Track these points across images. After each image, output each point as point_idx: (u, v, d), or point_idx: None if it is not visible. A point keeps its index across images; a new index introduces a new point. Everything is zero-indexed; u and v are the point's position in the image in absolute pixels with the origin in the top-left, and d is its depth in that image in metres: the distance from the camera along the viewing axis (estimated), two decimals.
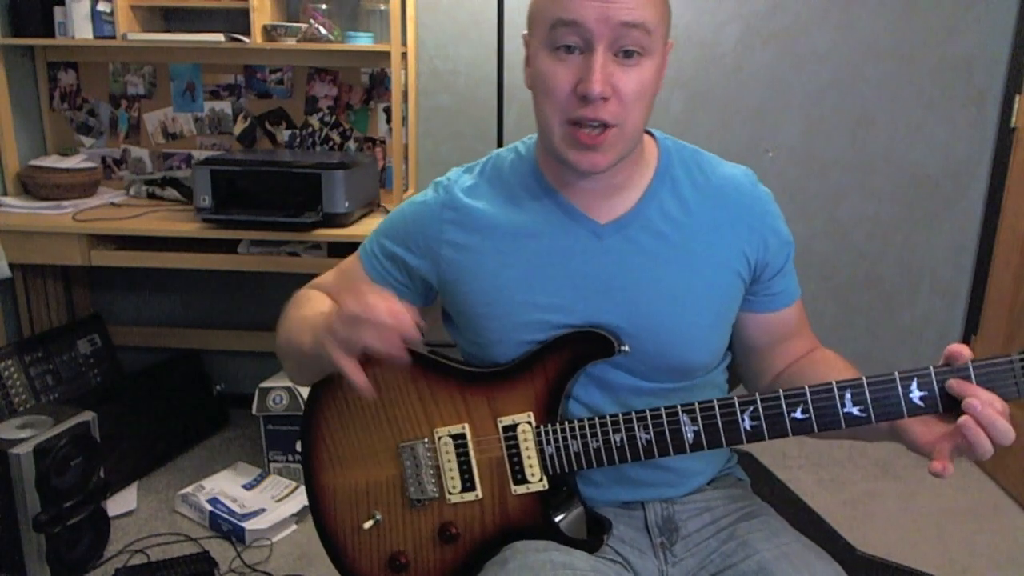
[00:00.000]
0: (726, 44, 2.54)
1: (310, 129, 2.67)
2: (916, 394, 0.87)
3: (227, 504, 2.21)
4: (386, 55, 2.40)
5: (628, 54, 0.91)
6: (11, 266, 2.26)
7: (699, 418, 0.93)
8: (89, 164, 2.54)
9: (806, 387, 0.89)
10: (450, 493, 1.02)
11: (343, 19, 2.53)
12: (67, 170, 2.46)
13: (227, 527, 2.15)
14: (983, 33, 2.48)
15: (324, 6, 2.46)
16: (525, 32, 1.00)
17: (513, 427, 1.00)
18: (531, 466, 0.99)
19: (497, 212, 1.05)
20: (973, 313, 2.68)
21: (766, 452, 2.69)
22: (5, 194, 2.51)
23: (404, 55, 2.48)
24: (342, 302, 0.91)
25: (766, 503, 1.13)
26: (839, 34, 2.52)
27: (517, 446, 1.00)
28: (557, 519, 1.00)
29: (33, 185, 2.46)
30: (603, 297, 1.01)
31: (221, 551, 2.08)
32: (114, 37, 2.39)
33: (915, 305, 2.73)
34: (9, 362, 2.41)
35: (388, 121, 2.63)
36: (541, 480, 0.99)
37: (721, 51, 2.55)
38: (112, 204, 2.48)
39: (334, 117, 2.65)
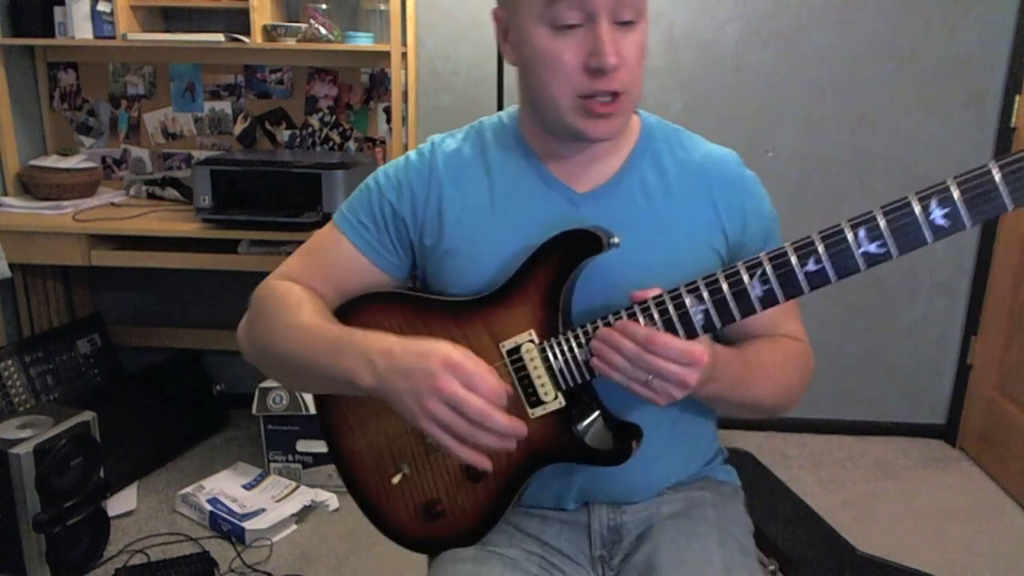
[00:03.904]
0: (726, 44, 2.54)
1: (310, 129, 2.67)
2: (938, 213, 0.78)
3: (227, 504, 2.21)
4: (386, 55, 2.40)
5: (625, 23, 0.91)
6: (11, 266, 2.26)
7: (705, 295, 0.87)
8: (89, 164, 2.54)
9: (813, 234, 0.83)
10: None
11: (343, 19, 2.53)
12: (67, 170, 2.46)
13: (227, 527, 2.15)
14: (983, 33, 2.48)
15: (324, 6, 2.46)
16: (496, 7, 0.97)
17: (516, 349, 0.95)
18: (543, 385, 0.95)
19: (476, 177, 1.04)
20: (973, 313, 2.68)
21: (766, 452, 2.69)
22: (5, 194, 2.51)
23: (404, 55, 2.48)
24: (459, 396, 0.83)
25: (736, 508, 1.10)
26: (839, 34, 2.51)
27: (525, 367, 0.95)
28: (580, 432, 0.96)
29: (33, 185, 2.46)
30: None
31: (221, 551, 2.08)
32: (114, 37, 2.39)
33: (915, 305, 2.72)
34: (9, 362, 2.41)
35: (388, 121, 2.63)
36: (557, 398, 0.95)
37: (721, 51, 2.55)
38: (112, 204, 2.48)
39: (334, 117, 2.65)
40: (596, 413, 0.98)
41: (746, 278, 0.85)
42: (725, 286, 0.86)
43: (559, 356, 0.93)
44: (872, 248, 0.81)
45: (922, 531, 2.26)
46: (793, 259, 0.84)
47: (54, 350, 2.55)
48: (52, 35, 2.45)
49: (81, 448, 1.94)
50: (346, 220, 1.07)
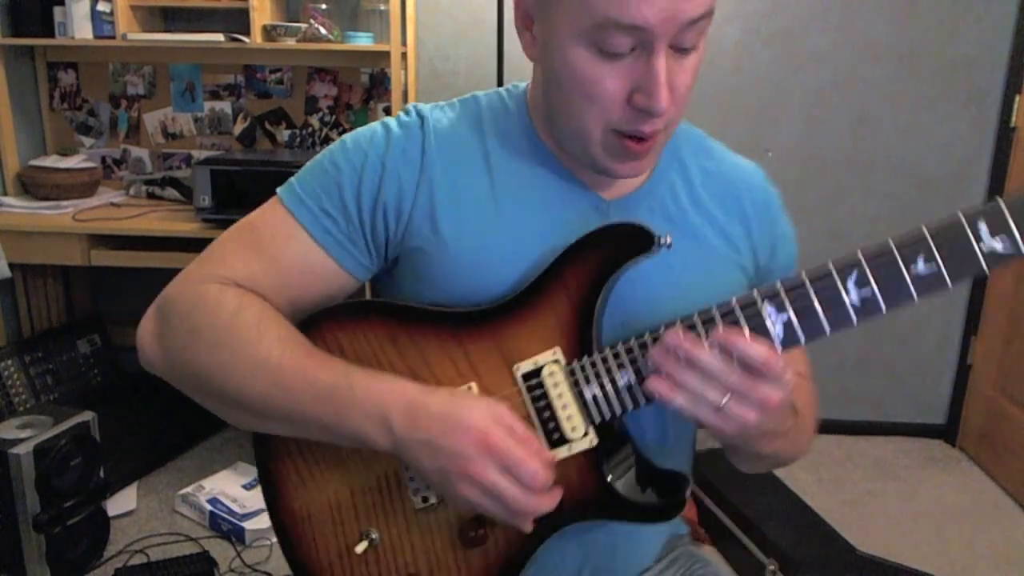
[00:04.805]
0: (726, 44, 2.54)
1: (310, 129, 2.67)
2: None
3: (227, 504, 2.21)
4: (386, 55, 2.40)
5: (684, 49, 0.75)
6: (11, 266, 2.26)
7: (787, 303, 0.70)
8: (89, 164, 2.54)
9: (923, 227, 0.68)
10: None
11: (343, 19, 2.53)
12: (67, 170, 2.46)
13: (227, 527, 2.15)
14: (983, 33, 2.48)
15: (324, 6, 2.46)
16: None
17: (536, 372, 0.76)
18: (569, 418, 0.75)
19: (474, 166, 0.85)
20: (973, 313, 2.68)
21: None
22: (5, 194, 2.51)
23: (404, 55, 2.48)
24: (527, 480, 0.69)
25: (704, 549, 1.06)
26: (839, 34, 2.51)
27: (546, 395, 0.75)
28: (617, 480, 0.77)
29: (33, 185, 2.46)
30: None
31: (221, 551, 2.08)
32: (114, 37, 2.39)
33: (915, 305, 2.72)
34: (9, 362, 2.41)
35: None
36: (587, 434, 0.75)
37: (721, 51, 2.55)
38: (112, 204, 2.48)
39: (334, 117, 2.65)
40: (632, 455, 0.78)
41: (839, 282, 0.70)
42: (812, 292, 0.70)
43: (594, 379, 0.75)
44: (997, 246, 0.66)
45: (922, 531, 2.26)
46: (898, 258, 0.70)
47: (54, 350, 2.55)
48: (52, 35, 2.45)
49: (81, 448, 1.94)
50: (305, 208, 0.84)
